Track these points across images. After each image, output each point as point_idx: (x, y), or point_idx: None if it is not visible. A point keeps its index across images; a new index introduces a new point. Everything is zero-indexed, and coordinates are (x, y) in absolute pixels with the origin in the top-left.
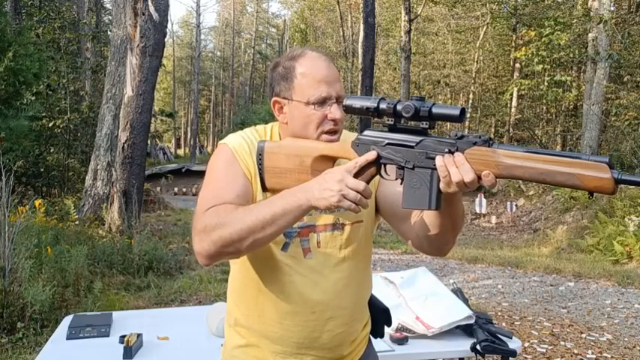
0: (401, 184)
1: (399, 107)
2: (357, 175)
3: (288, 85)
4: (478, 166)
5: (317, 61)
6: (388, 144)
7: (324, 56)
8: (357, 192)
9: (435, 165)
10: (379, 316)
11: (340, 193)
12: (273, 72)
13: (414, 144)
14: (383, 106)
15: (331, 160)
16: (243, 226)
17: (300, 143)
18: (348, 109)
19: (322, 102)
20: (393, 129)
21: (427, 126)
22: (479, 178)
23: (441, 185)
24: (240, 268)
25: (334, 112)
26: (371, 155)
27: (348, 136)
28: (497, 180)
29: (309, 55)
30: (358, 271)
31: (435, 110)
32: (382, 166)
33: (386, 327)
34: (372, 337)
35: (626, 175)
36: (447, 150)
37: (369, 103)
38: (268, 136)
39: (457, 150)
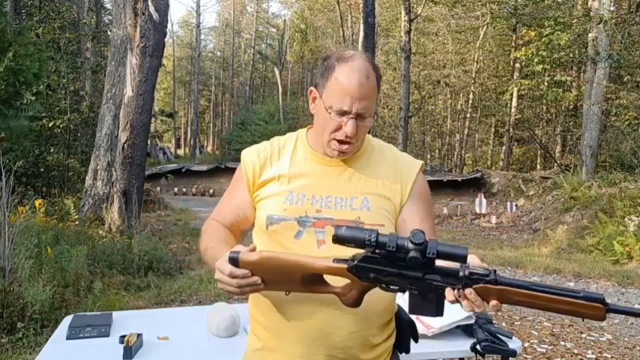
0: (403, 293)
1: (402, 241)
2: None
3: (324, 82)
4: (486, 297)
5: (352, 74)
6: (390, 275)
7: (364, 71)
8: (237, 280)
9: (440, 290)
10: (404, 328)
11: (222, 285)
12: (322, 62)
13: (419, 276)
14: (383, 239)
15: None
16: (202, 249)
17: (288, 259)
18: (338, 241)
19: (341, 113)
20: (391, 259)
21: (432, 256)
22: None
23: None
24: None
25: (348, 127)
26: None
27: (382, 147)
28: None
29: (350, 65)
30: None
31: (441, 249)
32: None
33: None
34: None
35: (615, 306)
36: (459, 287)
37: (362, 235)
38: (290, 145)
39: (465, 286)
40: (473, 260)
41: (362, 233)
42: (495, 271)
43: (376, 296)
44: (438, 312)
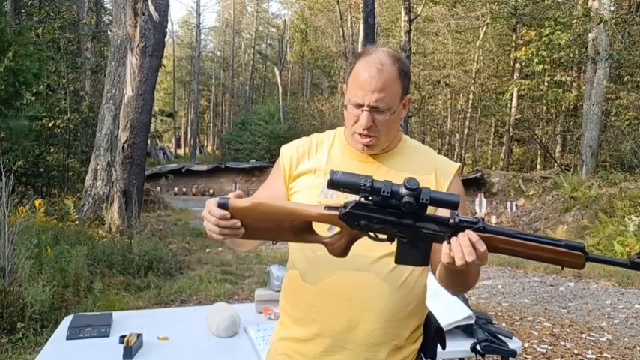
0: (391, 242)
1: (397, 188)
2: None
3: (347, 79)
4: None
5: (368, 66)
6: (382, 222)
7: (377, 63)
8: (215, 219)
9: (429, 238)
10: (431, 333)
11: (206, 224)
12: (352, 59)
13: (410, 223)
14: (378, 185)
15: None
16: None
17: (279, 206)
18: (333, 186)
19: (357, 106)
20: (384, 206)
21: (425, 201)
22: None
23: (443, 261)
24: (291, 252)
25: (361, 119)
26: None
27: (419, 148)
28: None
29: (368, 58)
30: (403, 271)
31: (433, 196)
32: (373, 233)
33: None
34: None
35: (594, 255)
36: (447, 234)
37: (357, 180)
38: (328, 141)
39: (454, 234)
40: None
41: (357, 178)
42: (483, 219)
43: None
44: (424, 261)
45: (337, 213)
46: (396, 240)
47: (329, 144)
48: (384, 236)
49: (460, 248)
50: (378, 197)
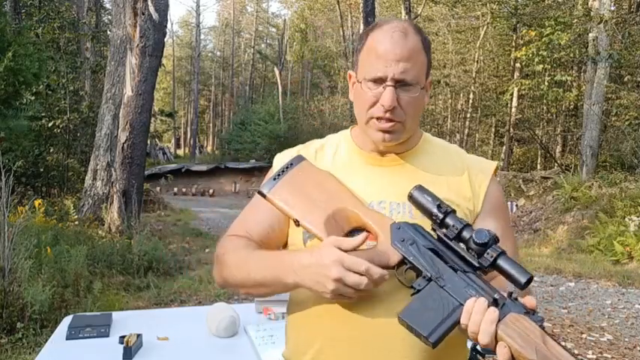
0: (412, 294)
1: (467, 234)
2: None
3: (357, 58)
4: (509, 336)
5: (387, 34)
6: (431, 250)
7: (401, 29)
8: (359, 274)
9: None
10: None
11: (335, 293)
12: (359, 40)
13: (458, 269)
14: (450, 221)
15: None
16: (240, 277)
17: (339, 189)
18: (412, 201)
19: (376, 81)
20: (443, 242)
21: (482, 268)
22: (495, 343)
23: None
24: None
25: (384, 96)
26: (392, 258)
27: (445, 145)
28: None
29: (384, 27)
30: None
31: (500, 262)
32: (403, 266)
33: None
34: None
35: None
36: (491, 299)
37: (435, 204)
38: (331, 146)
39: (502, 307)
40: (529, 300)
41: (434, 203)
42: (543, 319)
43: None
44: (432, 335)
45: (390, 219)
46: (416, 291)
47: (332, 149)
48: (412, 274)
49: (481, 313)
50: (443, 231)
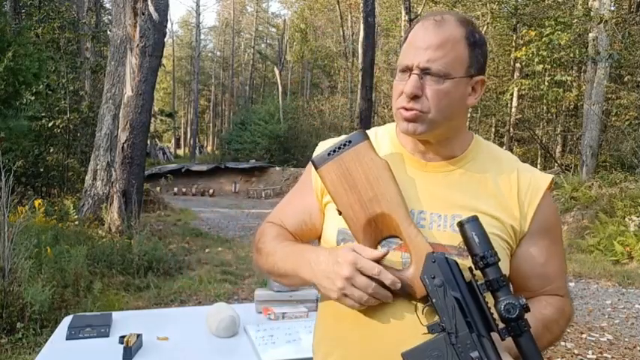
0: (424, 333)
1: (500, 296)
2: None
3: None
4: None
5: (422, 23)
6: (457, 300)
7: (436, 16)
8: (365, 293)
9: None
10: None
11: (341, 291)
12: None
13: (476, 331)
14: (489, 274)
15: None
16: (267, 267)
17: (390, 189)
18: (460, 230)
19: (404, 70)
20: (472, 290)
21: (504, 336)
22: None
23: None
24: None
25: (407, 85)
26: (416, 292)
27: (496, 153)
28: None
29: (425, 17)
30: None
31: (521, 340)
32: (423, 302)
33: None
34: None
35: None
36: None
37: (480, 250)
38: (377, 142)
39: None
40: None
41: (482, 248)
42: None
43: None
44: None
45: (430, 247)
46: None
47: (377, 146)
48: (434, 315)
49: None
50: (478, 281)
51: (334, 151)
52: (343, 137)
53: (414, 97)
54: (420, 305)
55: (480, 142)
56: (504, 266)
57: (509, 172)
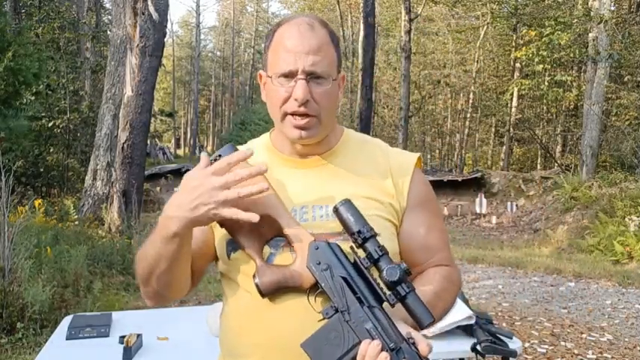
0: (320, 320)
1: (382, 265)
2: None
3: (265, 55)
4: None
5: (293, 27)
6: (344, 279)
7: (307, 21)
8: (235, 186)
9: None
10: None
11: (219, 203)
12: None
13: (366, 303)
14: (369, 247)
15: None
16: (145, 270)
17: (266, 192)
18: (336, 215)
19: (287, 76)
20: (358, 268)
21: (392, 302)
22: None
23: None
24: (225, 291)
25: (297, 89)
26: (305, 281)
27: (367, 141)
28: None
29: (291, 22)
30: None
31: (408, 301)
32: (314, 290)
33: None
34: None
35: None
36: (391, 345)
37: (356, 227)
38: (253, 147)
39: (398, 351)
40: (423, 346)
41: (357, 225)
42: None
43: None
44: None
45: (311, 236)
46: (324, 320)
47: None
48: (327, 304)
49: (374, 358)
50: (360, 255)
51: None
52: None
53: (306, 102)
54: (312, 295)
55: (349, 132)
56: (391, 245)
57: (381, 156)
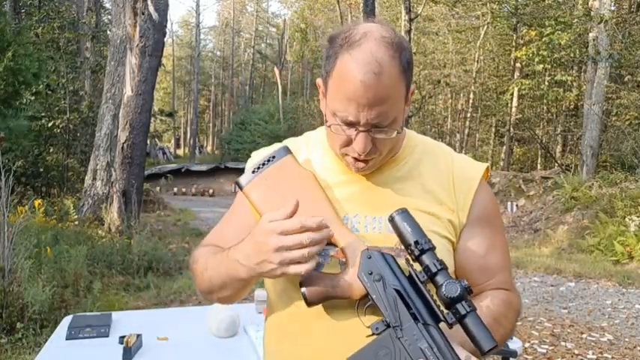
0: (368, 336)
1: (440, 280)
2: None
3: (327, 75)
4: None
5: (357, 69)
6: (397, 292)
7: (373, 65)
8: (302, 248)
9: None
10: None
11: (281, 264)
12: (327, 45)
13: (421, 320)
14: (425, 260)
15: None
16: (205, 286)
17: (317, 197)
18: (392, 225)
19: (348, 124)
20: (413, 282)
21: (450, 321)
22: None
23: None
24: (270, 296)
25: (357, 143)
26: (355, 292)
27: (430, 147)
28: None
29: (357, 54)
30: None
31: (468, 321)
32: (364, 302)
33: None
34: None
35: None
36: None
37: (413, 238)
38: (305, 150)
39: None
40: None
41: (414, 236)
42: None
43: None
44: None
45: (364, 244)
46: (373, 334)
47: (305, 153)
48: (374, 318)
49: None
50: (415, 270)
51: (258, 168)
52: (268, 153)
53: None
54: (362, 307)
55: (413, 137)
56: (447, 264)
57: (444, 165)
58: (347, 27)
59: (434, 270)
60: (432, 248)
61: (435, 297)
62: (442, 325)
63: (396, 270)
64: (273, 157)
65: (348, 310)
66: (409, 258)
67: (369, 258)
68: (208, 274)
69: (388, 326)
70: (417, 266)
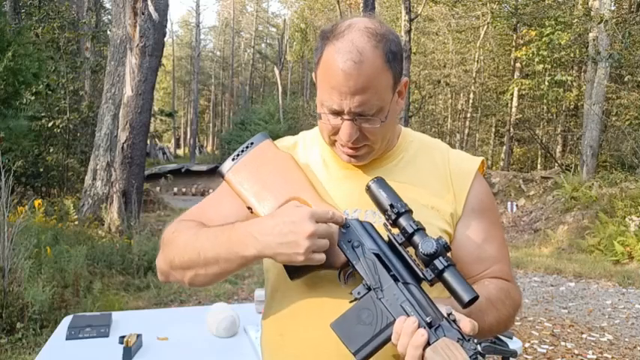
0: (351, 301)
1: (417, 240)
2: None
3: (316, 67)
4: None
5: (338, 58)
6: (376, 255)
7: (354, 53)
8: (329, 237)
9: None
10: None
11: (310, 249)
12: (319, 40)
13: (401, 280)
14: (402, 223)
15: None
16: (187, 257)
17: (297, 176)
18: (368, 193)
19: (334, 113)
20: (392, 246)
21: (429, 277)
22: None
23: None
24: (269, 273)
25: (343, 131)
26: (336, 260)
27: (427, 143)
28: None
29: (339, 44)
30: None
31: (446, 275)
32: (346, 270)
33: None
34: None
35: None
36: (427, 320)
37: (388, 202)
38: (302, 145)
39: (437, 328)
40: (465, 324)
41: (390, 200)
42: (482, 353)
43: None
44: (360, 351)
45: (342, 214)
46: (355, 300)
47: (304, 148)
48: (353, 284)
49: (410, 334)
50: (394, 232)
51: (238, 155)
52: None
53: (355, 139)
54: (343, 275)
55: (409, 133)
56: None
57: (441, 159)
58: (336, 21)
59: (410, 231)
60: (409, 211)
61: (415, 258)
62: (425, 287)
63: (375, 236)
64: (252, 143)
65: (334, 283)
66: (387, 223)
67: (348, 227)
68: (198, 247)
69: (369, 289)
70: (395, 231)
